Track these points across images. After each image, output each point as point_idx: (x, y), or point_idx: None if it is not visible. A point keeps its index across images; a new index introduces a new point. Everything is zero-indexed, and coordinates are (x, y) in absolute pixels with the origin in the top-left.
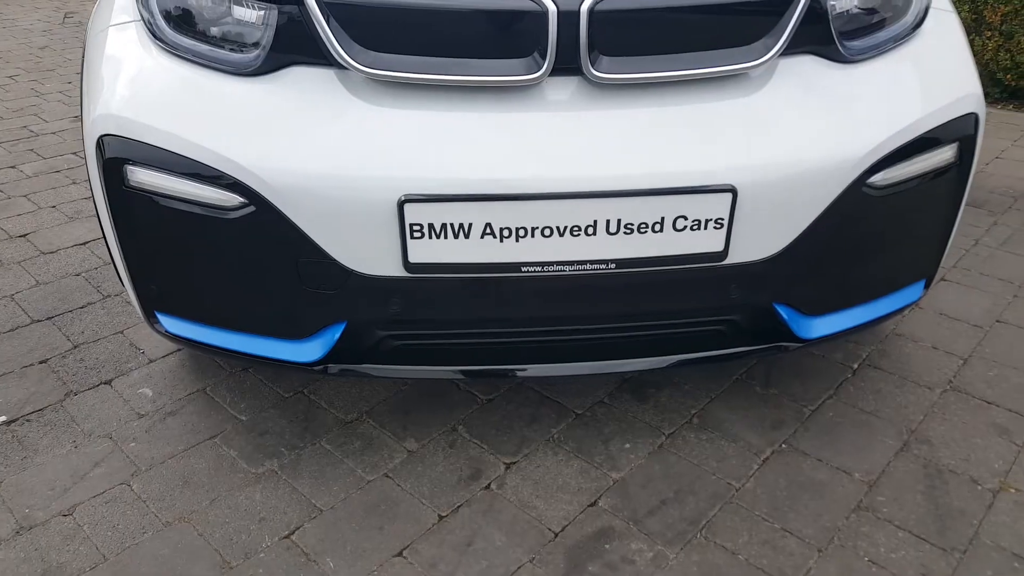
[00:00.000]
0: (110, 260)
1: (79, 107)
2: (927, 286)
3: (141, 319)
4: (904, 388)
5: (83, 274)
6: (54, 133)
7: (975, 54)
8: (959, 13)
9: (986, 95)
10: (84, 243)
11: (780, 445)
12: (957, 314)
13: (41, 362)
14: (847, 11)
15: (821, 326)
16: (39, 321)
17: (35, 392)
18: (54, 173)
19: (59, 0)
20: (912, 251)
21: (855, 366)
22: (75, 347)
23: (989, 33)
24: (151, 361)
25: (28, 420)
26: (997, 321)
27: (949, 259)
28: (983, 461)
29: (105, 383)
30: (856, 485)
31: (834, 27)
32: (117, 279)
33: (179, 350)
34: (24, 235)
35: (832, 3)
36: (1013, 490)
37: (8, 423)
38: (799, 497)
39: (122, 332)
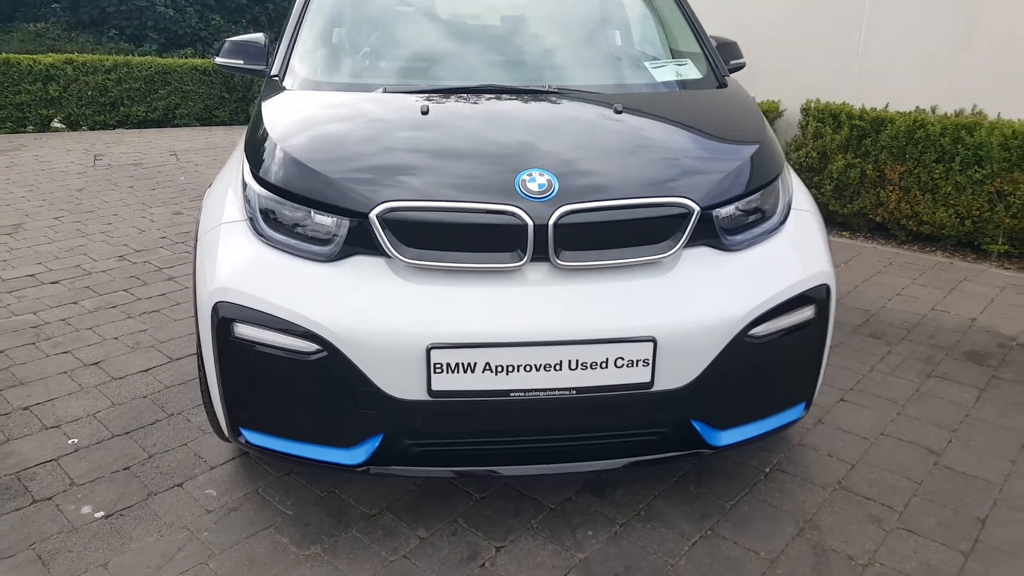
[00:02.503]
0: (201, 392)
1: (192, 282)
2: (807, 407)
3: (204, 434)
4: (803, 487)
5: (149, 396)
6: (104, 272)
7: (881, 205)
8: (864, 171)
9: (892, 238)
10: (147, 370)
11: (706, 531)
12: (850, 428)
13: (125, 469)
14: (729, 216)
15: (727, 437)
16: (119, 436)
17: (123, 493)
18: (111, 308)
19: (87, 142)
20: (790, 382)
21: (767, 470)
22: (150, 457)
23: (891, 188)
24: (212, 468)
25: (121, 515)
26: (881, 434)
27: (848, 381)
28: (858, 543)
29: (177, 485)
30: (761, 562)
31: (720, 228)
32: (179, 401)
33: (234, 458)
34: (96, 363)
35: (716, 213)
36: (878, 564)
37: (107, 517)
38: (718, 570)
39: (186, 444)
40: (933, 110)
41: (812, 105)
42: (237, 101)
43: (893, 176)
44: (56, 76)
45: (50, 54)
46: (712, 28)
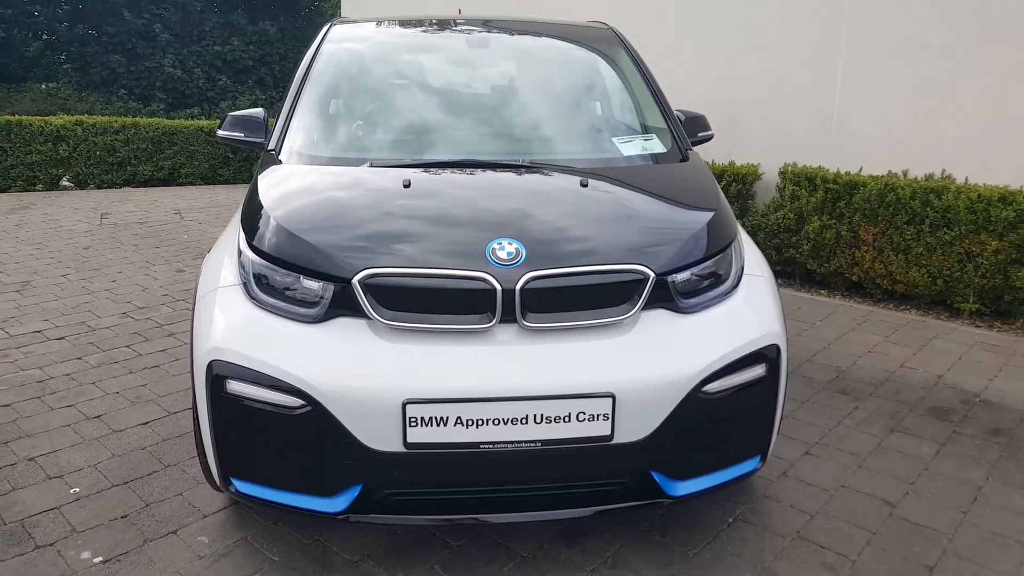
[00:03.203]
0: (196, 444)
1: (189, 340)
2: (763, 460)
3: (198, 484)
4: (764, 537)
5: (147, 448)
6: (108, 328)
7: (857, 264)
8: (839, 232)
9: (868, 297)
10: (146, 423)
11: None
12: (813, 480)
13: (123, 517)
14: (684, 281)
15: (685, 487)
16: (118, 485)
17: (121, 539)
18: (113, 364)
19: (94, 201)
20: (745, 436)
21: (730, 520)
22: (147, 505)
23: (865, 248)
24: (205, 516)
25: (119, 560)
26: (842, 486)
27: (813, 436)
28: None
29: (172, 533)
30: None
31: (675, 291)
32: (176, 453)
33: (226, 507)
34: (98, 416)
35: (671, 278)
36: None
37: (105, 562)
38: None
39: (181, 494)
40: (904, 174)
41: (789, 169)
42: (241, 161)
43: (867, 237)
44: (66, 137)
45: (61, 115)
46: (698, 99)
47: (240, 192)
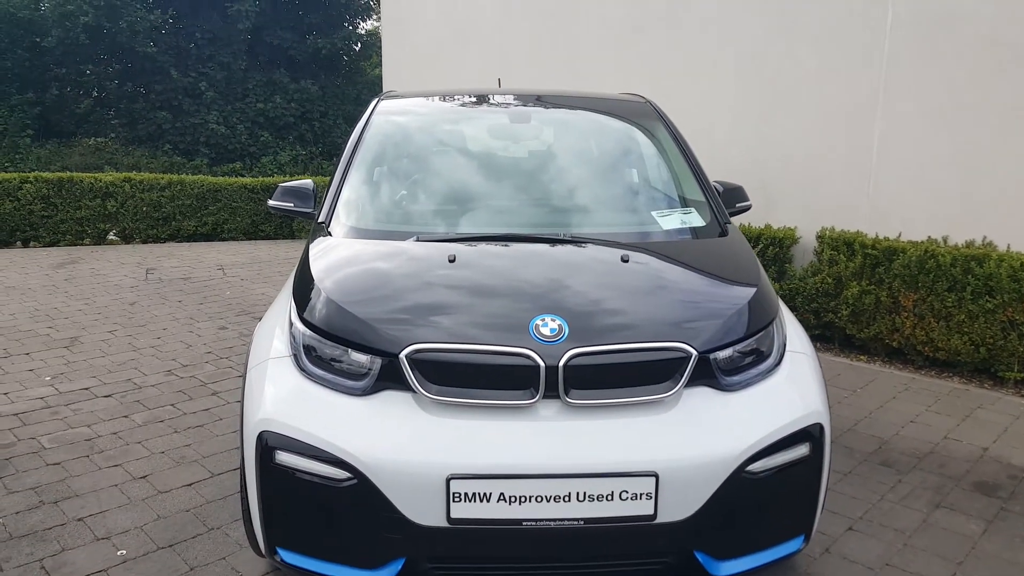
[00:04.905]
0: (242, 511)
1: (240, 409)
2: (806, 540)
3: (241, 548)
4: None
5: (191, 510)
6: (153, 386)
7: (897, 330)
8: (878, 297)
9: (909, 363)
10: (190, 484)
11: None
12: (856, 558)
13: None
14: (726, 359)
15: (728, 567)
16: (163, 548)
17: None
18: (159, 423)
19: (140, 255)
20: (788, 515)
21: None
22: (191, 569)
23: (905, 314)
24: None
25: None
26: (886, 565)
27: (856, 511)
28: None
29: None
30: None
31: (717, 369)
32: (219, 516)
33: (267, 573)
34: (144, 476)
35: (713, 356)
36: None
37: None
38: None
39: (224, 558)
40: (945, 240)
41: (827, 233)
42: (282, 217)
43: (907, 303)
44: (115, 193)
45: (110, 171)
46: (734, 161)
47: (281, 247)
